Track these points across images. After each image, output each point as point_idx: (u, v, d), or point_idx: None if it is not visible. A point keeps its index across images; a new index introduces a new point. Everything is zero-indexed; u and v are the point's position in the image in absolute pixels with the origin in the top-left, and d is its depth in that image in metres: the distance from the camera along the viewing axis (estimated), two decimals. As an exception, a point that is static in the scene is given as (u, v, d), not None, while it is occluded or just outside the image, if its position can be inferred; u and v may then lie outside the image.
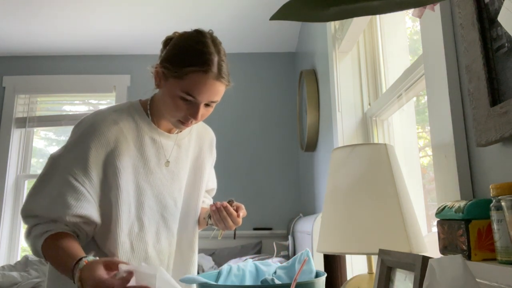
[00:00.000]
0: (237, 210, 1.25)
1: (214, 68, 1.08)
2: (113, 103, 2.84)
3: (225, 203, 1.21)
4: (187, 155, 1.30)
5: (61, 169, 1.11)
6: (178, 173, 1.26)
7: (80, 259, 0.98)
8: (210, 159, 1.42)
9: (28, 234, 1.10)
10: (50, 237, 1.07)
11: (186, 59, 1.07)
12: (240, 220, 1.25)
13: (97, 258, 1.01)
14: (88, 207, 1.09)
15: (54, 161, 1.14)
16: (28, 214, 1.11)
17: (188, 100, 1.09)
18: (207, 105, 1.13)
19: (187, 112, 1.12)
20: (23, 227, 3.39)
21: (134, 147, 1.17)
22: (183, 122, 1.15)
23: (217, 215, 1.21)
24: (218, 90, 1.11)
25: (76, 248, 1.05)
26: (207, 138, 1.40)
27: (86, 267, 0.96)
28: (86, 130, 1.13)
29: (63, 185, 1.09)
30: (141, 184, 1.18)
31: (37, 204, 1.10)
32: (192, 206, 1.32)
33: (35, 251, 1.11)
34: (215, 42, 1.12)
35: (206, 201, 1.45)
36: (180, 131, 1.28)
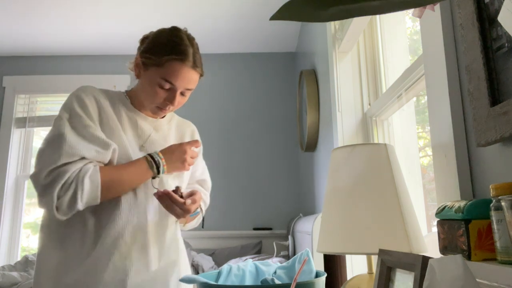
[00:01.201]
0: (190, 196, 1.23)
1: (190, 58, 1.22)
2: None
3: (167, 190, 1.19)
4: (165, 140, 1.34)
5: (76, 122, 1.17)
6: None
7: (149, 155, 1.22)
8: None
9: (82, 178, 1.11)
10: (101, 168, 1.16)
11: (165, 49, 1.20)
12: (190, 208, 1.20)
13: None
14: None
15: (65, 120, 1.17)
16: (73, 160, 1.11)
17: (166, 88, 1.22)
18: (182, 94, 1.26)
19: (165, 98, 1.24)
20: (23, 227, 3.39)
21: (112, 113, 1.26)
22: (161, 108, 1.27)
23: (163, 203, 1.21)
24: (193, 78, 1.24)
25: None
26: (188, 130, 1.44)
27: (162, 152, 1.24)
28: (79, 93, 1.24)
29: (88, 128, 1.16)
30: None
31: (81, 147, 1.13)
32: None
33: (93, 189, 1.13)
34: (189, 37, 1.26)
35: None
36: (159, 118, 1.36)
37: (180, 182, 1.33)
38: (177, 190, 1.21)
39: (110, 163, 1.20)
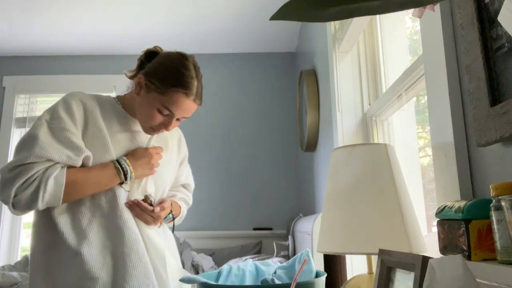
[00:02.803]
0: (161, 204, 1.29)
1: (194, 91, 1.23)
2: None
3: (136, 200, 1.25)
4: (165, 142, 1.39)
5: (55, 124, 1.18)
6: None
7: (117, 160, 1.23)
8: (179, 155, 1.47)
9: (46, 177, 1.12)
10: (68, 169, 1.17)
11: (171, 79, 1.21)
12: (159, 214, 1.26)
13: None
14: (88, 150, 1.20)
15: (45, 120, 1.19)
16: (40, 160, 1.13)
17: (164, 114, 1.24)
18: (177, 119, 1.28)
19: (161, 122, 1.25)
20: (23, 227, 3.39)
21: (103, 118, 1.27)
22: (154, 129, 1.28)
23: (133, 211, 1.25)
24: (192, 109, 1.27)
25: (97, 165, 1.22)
26: (175, 135, 1.47)
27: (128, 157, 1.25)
28: (67, 97, 1.26)
29: (64, 132, 1.17)
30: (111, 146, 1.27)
31: (51, 149, 1.14)
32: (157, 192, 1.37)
33: (56, 190, 1.13)
34: (196, 66, 1.27)
35: (177, 195, 1.48)
36: None
37: (158, 186, 1.36)
38: (146, 198, 1.27)
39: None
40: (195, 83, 1.24)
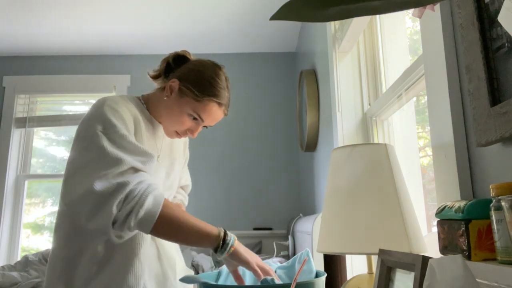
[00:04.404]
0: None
1: (225, 102, 1.27)
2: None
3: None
4: (171, 146, 1.38)
5: (112, 133, 1.08)
6: (163, 161, 1.33)
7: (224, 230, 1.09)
8: (182, 158, 1.47)
9: (146, 195, 1.02)
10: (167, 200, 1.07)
11: (208, 89, 1.22)
12: None
13: None
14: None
15: (99, 133, 1.08)
16: (123, 170, 1.03)
17: (194, 119, 1.24)
18: (203, 126, 1.29)
19: (188, 128, 1.26)
20: (23, 227, 3.39)
21: (144, 126, 1.24)
22: (179, 134, 1.28)
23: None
24: (219, 119, 1.29)
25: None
26: (182, 139, 1.45)
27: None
28: (110, 103, 1.15)
29: (126, 138, 1.08)
30: None
31: (125, 158, 1.04)
32: (167, 195, 1.37)
33: (153, 211, 1.02)
34: (227, 78, 1.30)
35: (178, 196, 1.49)
36: None
37: (172, 191, 1.37)
38: None
39: None
40: (227, 94, 1.27)
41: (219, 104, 1.24)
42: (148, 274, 1.18)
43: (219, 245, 1.05)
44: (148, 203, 1.02)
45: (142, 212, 1.00)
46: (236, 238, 1.08)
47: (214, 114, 1.25)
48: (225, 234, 1.07)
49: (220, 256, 1.06)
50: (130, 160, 1.05)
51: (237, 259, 1.06)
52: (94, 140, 1.06)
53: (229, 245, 1.05)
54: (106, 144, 1.05)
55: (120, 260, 1.13)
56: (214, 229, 1.07)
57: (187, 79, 1.24)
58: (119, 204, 1.00)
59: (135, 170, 1.07)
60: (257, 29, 3.23)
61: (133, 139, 1.10)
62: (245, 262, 1.05)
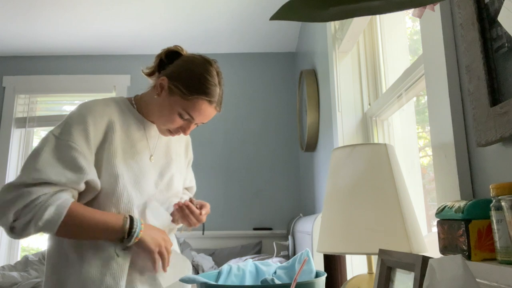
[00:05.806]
0: (201, 208, 1.31)
1: (216, 99, 1.24)
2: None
3: (187, 202, 1.27)
4: (167, 147, 1.37)
5: (64, 141, 1.13)
6: (158, 161, 1.33)
7: (130, 216, 1.15)
8: (186, 159, 1.48)
9: (47, 204, 1.06)
10: (73, 204, 1.11)
11: (196, 86, 1.20)
12: (203, 218, 1.30)
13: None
14: (95, 173, 1.16)
15: (53, 135, 1.15)
16: (38, 182, 1.07)
17: (184, 118, 1.23)
18: (196, 124, 1.28)
19: (180, 126, 1.26)
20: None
21: (121, 130, 1.24)
22: (171, 132, 1.28)
23: (180, 213, 1.28)
24: (212, 116, 1.27)
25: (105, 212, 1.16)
26: (182, 140, 1.46)
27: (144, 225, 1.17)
28: (83, 111, 1.20)
29: (70, 150, 1.12)
30: (128, 162, 1.23)
31: (49, 171, 1.08)
32: (168, 196, 1.36)
33: (53, 221, 1.07)
34: (219, 73, 1.27)
35: (184, 197, 1.48)
36: None
37: (177, 193, 1.37)
38: (192, 201, 1.30)
39: (91, 190, 1.16)
40: (218, 90, 1.24)
41: (209, 101, 1.22)
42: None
43: (124, 236, 1.14)
44: (49, 213, 1.06)
45: (40, 223, 1.06)
46: (144, 227, 1.17)
47: (205, 112, 1.23)
48: (132, 224, 1.14)
49: (128, 244, 1.15)
50: (52, 173, 1.08)
51: (142, 248, 1.17)
52: (44, 141, 1.14)
53: (134, 236, 1.15)
54: (47, 149, 1.11)
55: (95, 256, 1.17)
56: (119, 222, 1.14)
57: (176, 77, 1.22)
58: (17, 212, 1.05)
59: (51, 184, 1.09)
60: (257, 29, 3.23)
61: (78, 154, 1.12)
62: (148, 251, 1.17)
